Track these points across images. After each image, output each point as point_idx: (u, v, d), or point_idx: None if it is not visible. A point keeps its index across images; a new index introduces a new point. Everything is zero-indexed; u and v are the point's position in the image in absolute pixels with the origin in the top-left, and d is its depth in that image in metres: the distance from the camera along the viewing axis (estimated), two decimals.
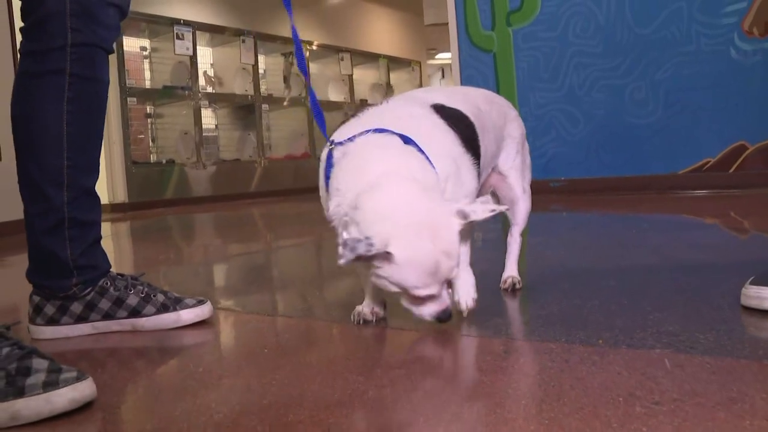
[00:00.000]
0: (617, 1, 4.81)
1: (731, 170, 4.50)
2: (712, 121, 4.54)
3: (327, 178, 1.31)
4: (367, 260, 1.17)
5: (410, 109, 1.42)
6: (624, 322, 1.33)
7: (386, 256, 1.15)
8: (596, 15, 4.90)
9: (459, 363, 1.14)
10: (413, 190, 1.20)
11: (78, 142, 1.50)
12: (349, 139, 1.31)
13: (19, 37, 1.52)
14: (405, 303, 1.26)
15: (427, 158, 1.28)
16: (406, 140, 1.29)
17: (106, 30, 1.52)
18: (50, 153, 1.48)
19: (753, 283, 1.36)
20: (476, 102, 1.55)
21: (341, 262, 1.13)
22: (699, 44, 4.55)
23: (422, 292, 1.20)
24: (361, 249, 1.12)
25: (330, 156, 1.32)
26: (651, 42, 4.71)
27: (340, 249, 1.14)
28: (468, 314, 1.41)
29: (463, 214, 1.20)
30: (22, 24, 1.49)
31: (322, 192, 1.38)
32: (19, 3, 1.47)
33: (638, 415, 0.86)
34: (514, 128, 1.68)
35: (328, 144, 1.34)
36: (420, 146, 1.29)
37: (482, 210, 1.21)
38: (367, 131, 1.31)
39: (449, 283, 1.27)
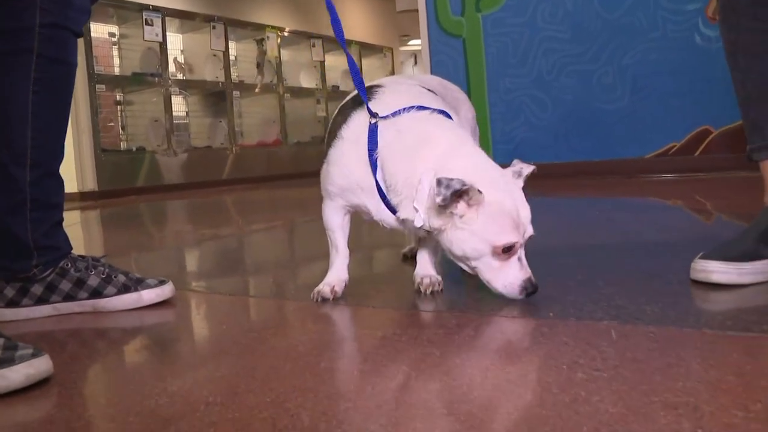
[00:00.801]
0: None
1: (696, 154, 4.58)
2: (678, 106, 4.61)
3: (371, 150, 1.36)
4: (455, 203, 1.22)
5: (418, 89, 1.48)
6: (576, 296, 1.36)
7: (477, 198, 1.21)
8: (564, 1, 4.93)
9: (411, 336, 1.16)
10: (482, 156, 1.32)
11: (43, 123, 1.49)
12: (391, 114, 1.36)
13: None
14: (485, 275, 1.28)
15: None
16: (446, 115, 1.38)
17: (77, 12, 1.50)
18: (14, 133, 1.47)
19: (702, 257, 1.40)
20: (434, 86, 1.61)
21: (438, 200, 1.18)
22: (665, 30, 4.61)
23: (505, 239, 1.23)
24: (457, 185, 1.18)
25: (373, 132, 1.36)
26: (618, 28, 4.76)
27: (435, 190, 1.19)
28: None
29: (518, 174, 1.34)
30: None
31: (350, 165, 1.40)
32: None
33: (579, 381, 0.90)
34: (467, 110, 1.74)
35: (371, 117, 1.37)
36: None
37: (526, 166, 1.36)
38: (409, 108, 1.36)
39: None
